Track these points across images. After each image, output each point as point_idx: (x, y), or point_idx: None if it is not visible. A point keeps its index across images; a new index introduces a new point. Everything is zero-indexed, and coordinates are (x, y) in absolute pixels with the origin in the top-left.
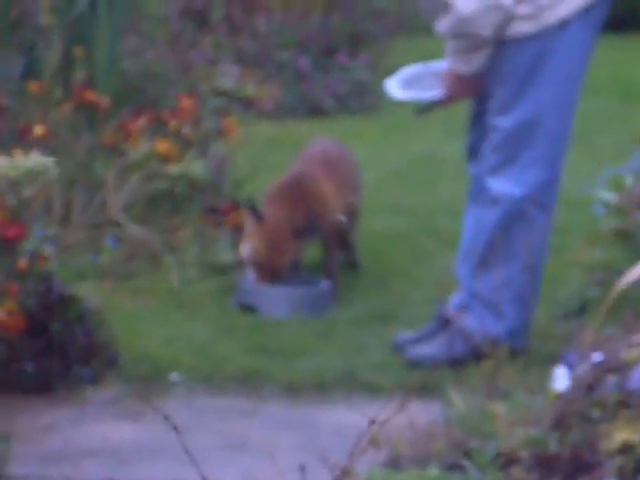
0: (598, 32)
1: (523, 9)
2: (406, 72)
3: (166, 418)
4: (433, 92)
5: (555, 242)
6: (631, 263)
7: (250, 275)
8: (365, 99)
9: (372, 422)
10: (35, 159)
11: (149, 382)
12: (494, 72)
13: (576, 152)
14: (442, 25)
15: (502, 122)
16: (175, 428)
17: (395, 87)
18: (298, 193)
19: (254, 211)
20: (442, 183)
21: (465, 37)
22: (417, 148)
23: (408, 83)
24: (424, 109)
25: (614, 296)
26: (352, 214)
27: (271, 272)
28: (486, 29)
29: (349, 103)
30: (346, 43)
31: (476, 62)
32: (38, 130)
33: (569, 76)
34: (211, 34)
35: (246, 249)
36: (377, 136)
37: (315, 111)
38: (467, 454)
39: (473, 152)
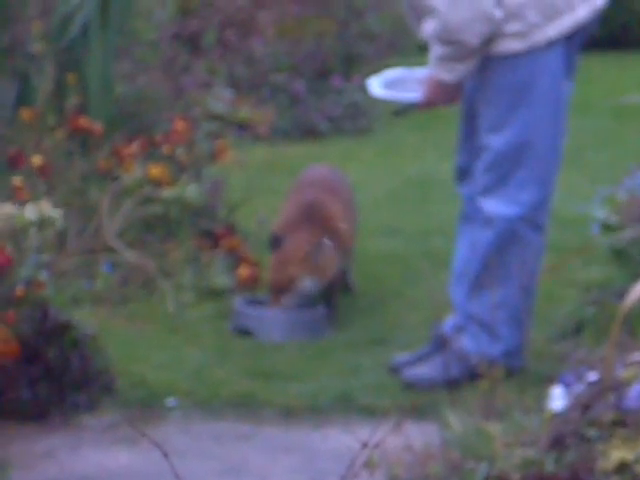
0: (581, 51)
1: (513, 26)
2: (390, 74)
3: (157, 445)
4: (412, 94)
5: (549, 261)
6: (627, 281)
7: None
8: (359, 121)
9: (365, 445)
10: (44, 209)
11: (145, 407)
12: (483, 90)
13: (570, 170)
14: (428, 28)
15: (493, 141)
16: (165, 455)
17: (376, 85)
18: (317, 222)
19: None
20: (436, 204)
21: (451, 45)
22: (411, 169)
23: (390, 84)
24: (402, 110)
25: (621, 317)
26: (349, 238)
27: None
28: (473, 38)
29: (343, 125)
30: (340, 65)
31: (459, 72)
32: (36, 160)
33: (557, 96)
34: (204, 58)
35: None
36: (371, 157)
37: (309, 134)
38: (462, 476)
39: (463, 173)
